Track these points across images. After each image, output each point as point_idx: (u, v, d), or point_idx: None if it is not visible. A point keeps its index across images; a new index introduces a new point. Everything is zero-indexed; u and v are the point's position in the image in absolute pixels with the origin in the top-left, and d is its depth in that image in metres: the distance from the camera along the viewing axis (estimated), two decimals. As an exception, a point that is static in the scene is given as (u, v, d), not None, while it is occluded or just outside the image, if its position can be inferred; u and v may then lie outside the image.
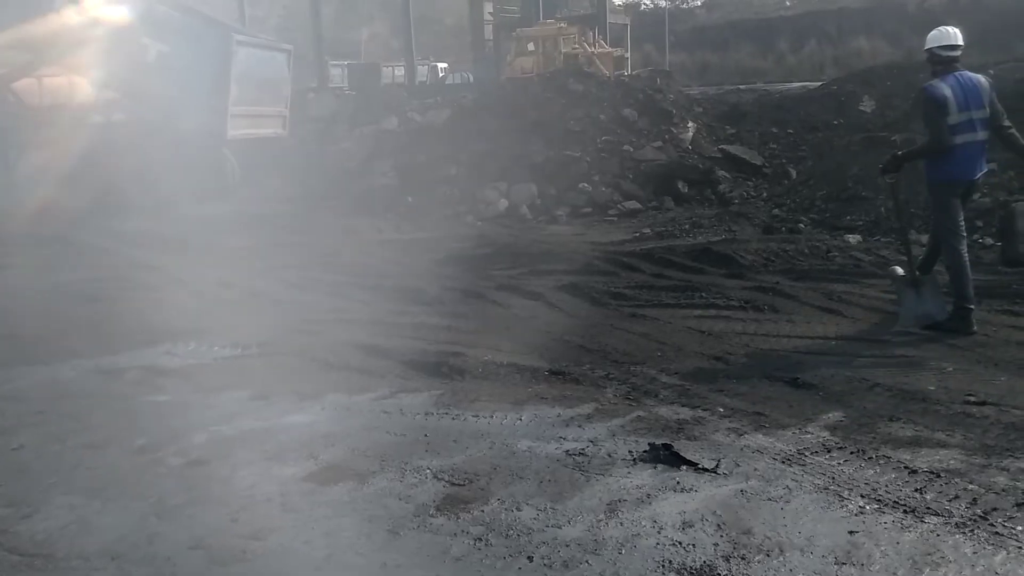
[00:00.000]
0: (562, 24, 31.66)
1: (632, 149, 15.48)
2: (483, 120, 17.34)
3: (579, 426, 4.88)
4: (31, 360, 6.43)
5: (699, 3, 61.52)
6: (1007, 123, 6.60)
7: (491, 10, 42.00)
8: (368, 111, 22.41)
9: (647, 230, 12.14)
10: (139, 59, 15.49)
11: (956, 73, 6.51)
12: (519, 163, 14.99)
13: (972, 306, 6.47)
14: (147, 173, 14.48)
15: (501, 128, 16.44)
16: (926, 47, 6.72)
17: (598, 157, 15.22)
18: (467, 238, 11.90)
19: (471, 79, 40.14)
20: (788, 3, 57.33)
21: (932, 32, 6.74)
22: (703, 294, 7.92)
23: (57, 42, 15.04)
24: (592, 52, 28.95)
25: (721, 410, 5.05)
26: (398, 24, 47.02)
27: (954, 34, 6.58)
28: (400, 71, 44.93)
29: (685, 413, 5.03)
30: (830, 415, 4.93)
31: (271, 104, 17.57)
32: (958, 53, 6.57)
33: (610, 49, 31.10)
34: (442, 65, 48.39)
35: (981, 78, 6.59)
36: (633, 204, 13.88)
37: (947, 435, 4.60)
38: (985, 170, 6.69)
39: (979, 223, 10.45)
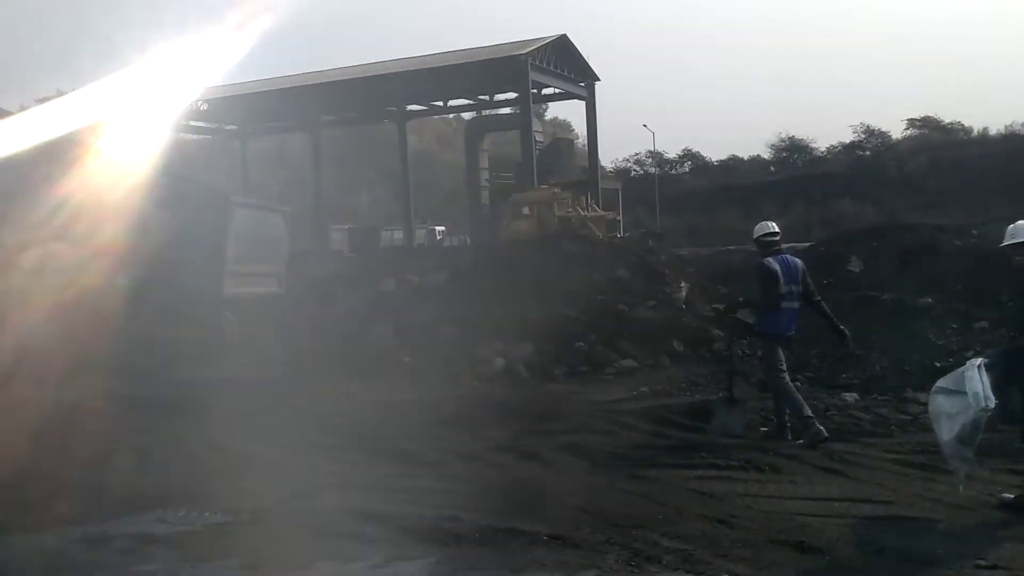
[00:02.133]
0: (556, 189, 32.63)
1: (627, 308, 15.65)
2: (480, 281, 17.61)
3: (580, 595, 4.71)
4: (13, 528, 6.25)
5: (687, 169, 63.78)
6: (818, 297, 8.59)
7: (487, 176, 43.48)
8: (367, 273, 22.79)
9: (644, 388, 12.11)
10: (141, 225, 15.87)
11: (781, 255, 8.46)
12: (516, 323, 15.10)
13: (811, 415, 8.09)
14: (148, 336, 14.55)
15: (498, 289, 16.67)
16: (755, 235, 8.65)
17: (594, 316, 15.36)
18: (464, 398, 11.84)
19: (468, 242, 41.12)
20: (772, 168, 59.44)
21: (758, 224, 8.71)
22: (703, 454, 7.83)
23: (61, 214, 15.45)
24: (585, 215, 29.79)
25: (726, 577, 4.90)
26: (397, 189, 48.67)
27: (773, 225, 8.61)
28: (399, 234, 46.13)
29: (689, 580, 4.87)
30: (838, 581, 4.78)
31: (268, 263, 17.91)
32: (778, 238, 8.57)
33: (603, 212, 32.02)
34: (440, 228, 49.62)
35: (798, 261, 8.58)
36: (629, 363, 13.90)
37: (960, 602, 4.45)
38: (793, 331, 8.54)
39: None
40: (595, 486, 6.97)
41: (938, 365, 10.95)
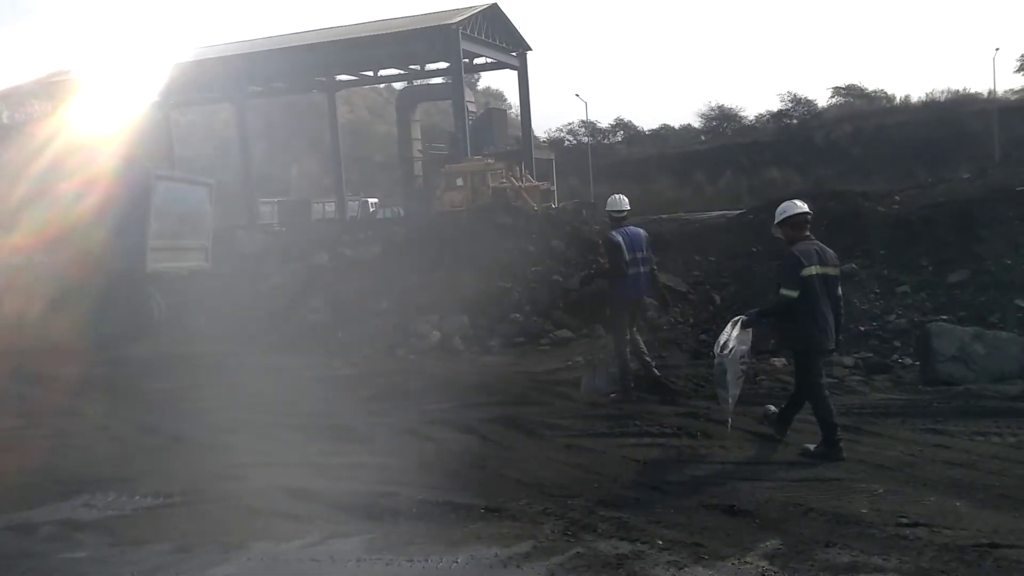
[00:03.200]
0: (489, 160, 32.60)
1: (561, 279, 15.71)
2: (414, 254, 17.51)
3: (517, 566, 4.76)
4: (-65, 518, 6.05)
5: (619, 139, 64.13)
6: (654, 266, 9.54)
7: (420, 147, 43.13)
8: (299, 247, 22.47)
9: (579, 358, 12.19)
10: (60, 201, 15.41)
11: (625, 228, 9.38)
12: (451, 295, 15.07)
13: (632, 383, 9.01)
14: (70, 314, 14.18)
15: (432, 261, 16.60)
16: (607, 208, 9.71)
17: (528, 288, 15.40)
18: (399, 372, 11.79)
19: (401, 214, 40.81)
20: (703, 137, 60.11)
21: (610, 198, 9.67)
22: (636, 422, 7.94)
23: None
24: (519, 186, 29.80)
25: (660, 543, 4.98)
26: (328, 161, 47.97)
27: (624, 202, 9.51)
28: (331, 207, 45.54)
29: (624, 548, 4.95)
30: (768, 543, 4.90)
31: (193, 237, 17.62)
32: (625, 214, 9.48)
33: (536, 183, 32.07)
34: (373, 200, 49.13)
35: (640, 230, 9.52)
36: (565, 333, 13.98)
37: (883, 559, 4.61)
38: (643, 295, 9.47)
39: (897, 343, 10.82)
40: (531, 457, 7.01)
41: (862, 329, 11.27)
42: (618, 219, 9.50)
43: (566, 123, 66.16)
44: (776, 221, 7.24)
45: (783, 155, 50.10)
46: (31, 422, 9.34)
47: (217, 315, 16.49)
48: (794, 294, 6.78)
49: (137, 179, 16.28)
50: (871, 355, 10.51)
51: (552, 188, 34.56)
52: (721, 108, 60.73)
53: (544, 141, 57.27)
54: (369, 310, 15.41)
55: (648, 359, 9.49)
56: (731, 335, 7.07)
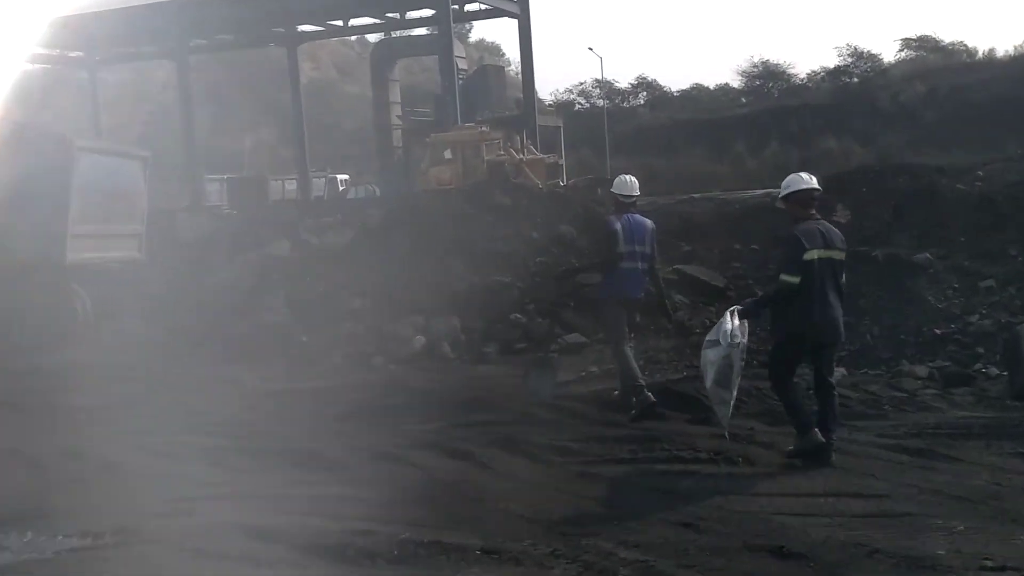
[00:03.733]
0: (484, 128, 32.58)
1: (572, 272, 15.74)
2: (393, 241, 17.54)
3: (521, 619, 4.78)
4: None
5: (641, 102, 64.11)
6: (657, 265, 9.90)
7: (399, 113, 43.06)
8: (253, 234, 22.47)
9: (594, 368, 12.24)
10: None
11: (629, 215, 9.71)
12: (438, 292, 15.11)
13: (642, 383, 9.28)
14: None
15: (415, 251, 16.63)
16: (612, 190, 10.07)
17: (532, 283, 15.44)
18: (376, 385, 11.82)
19: (377, 193, 40.80)
20: (744, 100, 60.06)
21: (619, 178, 10.10)
22: (665, 445, 7.96)
23: None
24: (520, 159, 29.80)
25: (694, 591, 5.00)
26: (289, 130, 47.96)
27: (632, 183, 9.88)
28: (292, 185, 45.56)
29: (650, 597, 4.97)
30: (825, 591, 4.92)
31: (123, 222, 17.59)
32: (634, 199, 9.90)
33: (541, 156, 32.08)
34: (342, 177, 49.12)
35: (647, 221, 9.85)
36: (576, 337, 14.00)
37: (965, 610, 4.62)
38: (639, 295, 9.81)
39: (980, 349, 10.84)
40: (536, 488, 7.04)
41: (938, 332, 11.31)
42: (624, 204, 9.85)
43: (577, 83, 65.97)
44: (780, 195, 7.79)
45: (841, 121, 50.00)
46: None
47: (154, 316, 16.51)
48: (795, 280, 7.25)
49: (54, 151, 16.22)
50: (949, 364, 10.56)
51: (560, 162, 34.58)
52: (766, 64, 60.61)
53: (551, 105, 57.31)
54: (339, 310, 15.44)
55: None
56: (734, 325, 7.39)
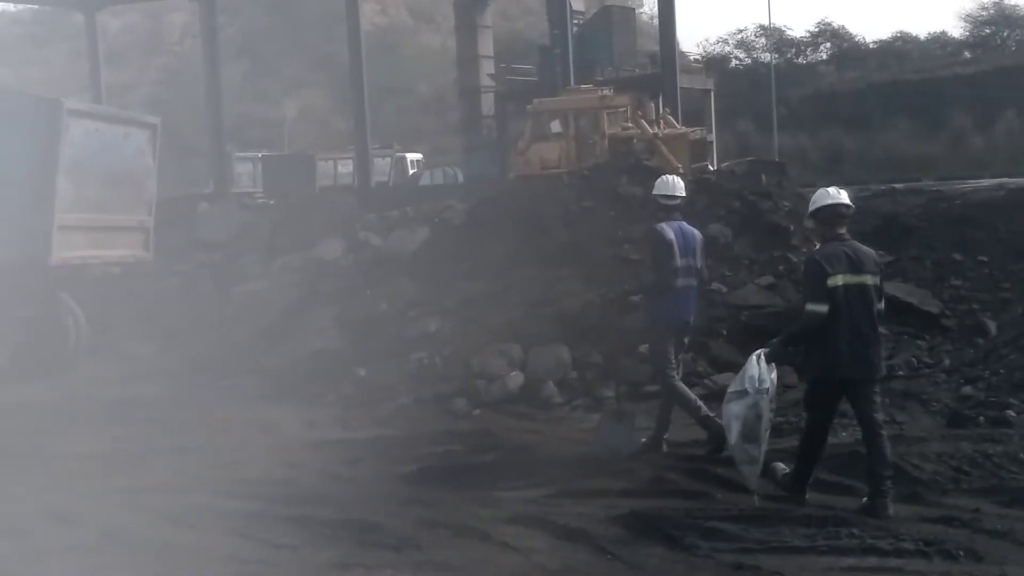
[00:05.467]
0: (606, 91, 32.38)
1: (726, 289, 15.64)
2: (481, 244, 17.60)
3: None
4: None
5: (823, 57, 63.41)
6: (707, 283, 11.37)
7: (491, 71, 43.19)
8: (296, 230, 22.75)
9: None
10: None
11: (677, 222, 10.62)
12: (541, 314, 15.12)
13: (708, 412, 10.42)
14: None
15: (510, 257, 16.67)
16: (654, 192, 10.90)
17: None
18: (456, 437, 11.87)
19: (459, 178, 41.03)
20: (968, 55, 58.96)
21: (660, 179, 10.96)
22: (855, 530, 7.84)
23: None
24: (655, 134, 29.65)
25: None
26: (343, 95, 48.49)
27: (676, 184, 10.75)
28: (347, 167, 46.01)
29: None
30: None
31: (125, 210, 17.52)
32: (678, 202, 10.74)
33: (683, 129, 31.84)
34: (414, 157, 49.50)
35: (696, 231, 10.77)
36: (729, 377, 13.92)
37: None
38: (692, 318, 10.78)
39: None
40: (674, 581, 7.01)
41: None
42: (668, 208, 10.76)
43: (734, 31, 65.74)
44: (807, 213, 8.79)
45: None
46: None
47: (167, 337, 16.80)
48: (823, 309, 8.22)
49: (39, 117, 16.34)
50: None
51: (709, 137, 34.36)
52: (999, 5, 59.64)
53: (697, 60, 56.97)
54: (408, 335, 15.55)
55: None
56: (761, 369, 8.44)
